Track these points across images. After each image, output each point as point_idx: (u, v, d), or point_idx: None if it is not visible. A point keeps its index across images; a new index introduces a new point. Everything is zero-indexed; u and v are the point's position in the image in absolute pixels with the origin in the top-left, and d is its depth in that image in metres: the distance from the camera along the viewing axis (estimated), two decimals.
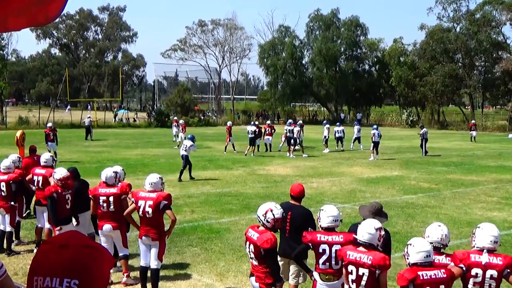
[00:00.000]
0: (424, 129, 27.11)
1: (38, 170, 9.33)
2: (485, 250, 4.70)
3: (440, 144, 33.19)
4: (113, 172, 7.85)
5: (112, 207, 7.56)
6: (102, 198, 7.62)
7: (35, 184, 9.25)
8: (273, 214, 5.42)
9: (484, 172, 19.78)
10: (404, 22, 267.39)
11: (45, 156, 9.59)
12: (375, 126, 25.67)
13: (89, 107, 69.84)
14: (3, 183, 9.03)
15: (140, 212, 7.07)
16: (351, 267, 4.78)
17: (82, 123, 35.47)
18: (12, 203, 9.05)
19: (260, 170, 19.86)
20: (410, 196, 14.77)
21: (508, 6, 51.79)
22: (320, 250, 5.43)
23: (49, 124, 23.22)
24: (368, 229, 4.82)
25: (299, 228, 6.23)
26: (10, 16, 1.78)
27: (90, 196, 7.86)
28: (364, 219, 5.84)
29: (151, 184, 7.13)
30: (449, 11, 56.09)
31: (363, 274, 4.70)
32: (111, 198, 7.58)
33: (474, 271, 4.63)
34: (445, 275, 4.56)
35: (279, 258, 6.53)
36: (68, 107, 66.22)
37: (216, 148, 27.99)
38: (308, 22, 64.17)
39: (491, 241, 4.75)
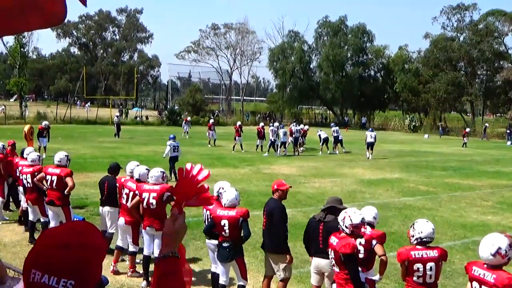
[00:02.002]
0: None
1: (51, 169, 8.75)
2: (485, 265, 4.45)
3: (441, 149, 33.78)
4: (146, 169, 8.00)
5: (130, 202, 7.73)
6: (125, 191, 7.89)
7: (48, 184, 8.71)
8: (351, 220, 5.29)
9: (481, 177, 19.91)
10: (409, 30, 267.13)
11: (59, 156, 8.92)
12: (370, 129, 28.09)
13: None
14: (28, 175, 9.14)
15: (144, 204, 7.34)
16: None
17: (113, 120, 36.01)
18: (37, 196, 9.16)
19: (265, 169, 20.32)
20: (408, 198, 14.97)
21: (511, 17, 53.03)
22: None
23: (44, 123, 23.71)
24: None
25: (272, 221, 6.60)
26: (27, 14, 1.72)
27: (118, 184, 8.19)
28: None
29: (153, 177, 7.49)
30: (453, 21, 57.95)
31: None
32: (131, 194, 7.74)
33: (474, 284, 4.50)
34: (436, 254, 5.03)
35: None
36: (88, 104, 68.73)
37: (224, 147, 28.39)
38: (316, 28, 65.56)
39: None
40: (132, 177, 8.17)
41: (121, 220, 7.87)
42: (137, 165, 8.34)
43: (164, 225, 1.90)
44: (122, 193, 8.00)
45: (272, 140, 25.82)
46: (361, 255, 5.64)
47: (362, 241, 5.63)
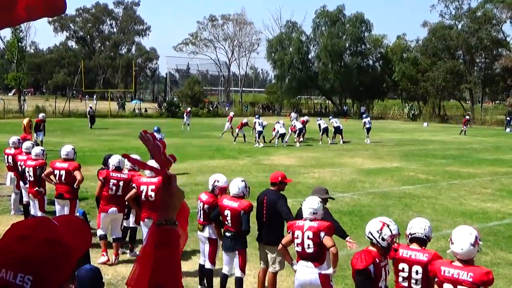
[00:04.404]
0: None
1: (59, 164, 8.80)
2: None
3: (440, 137, 33.89)
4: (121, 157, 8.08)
5: (120, 191, 7.99)
6: (112, 182, 8.03)
7: (57, 178, 8.76)
8: (391, 230, 4.58)
9: (481, 165, 19.97)
10: (407, 19, 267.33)
11: (66, 149, 8.96)
12: (365, 115, 30.26)
13: (94, 97, 72.09)
14: (31, 169, 9.21)
15: (143, 196, 7.45)
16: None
17: (88, 112, 37.07)
18: (38, 189, 9.24)
19: (265, 160, 20.35)
20: (407, 187, 15.00)
21: (509, 4, 52.79)
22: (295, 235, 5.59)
23: (41, 115, 24.11)
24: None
25: (274, 212, 6.52)
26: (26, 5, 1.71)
27: (101, 178, 8.16)
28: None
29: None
30: (451, 9, 57.54)
31: None
32: (121, 183, 8.00)
33: (445, 286, 4.27)
34: (426, 259, 4.53)
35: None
36: (95, 97, 69.02)
37: (224, 138, 28.52)
38: (314, 18, 65.30)
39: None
40: (129, 170, 8.39)
41: (113, 210, 8.01)
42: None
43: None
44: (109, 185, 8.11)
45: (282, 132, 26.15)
46: (310, 250, 5.44)
47: (310, 234, 5.40)
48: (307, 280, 5.56)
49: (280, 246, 5.93)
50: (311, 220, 5.53)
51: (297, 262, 5.70)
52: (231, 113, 32.81)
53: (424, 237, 4.77)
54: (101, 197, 8.15)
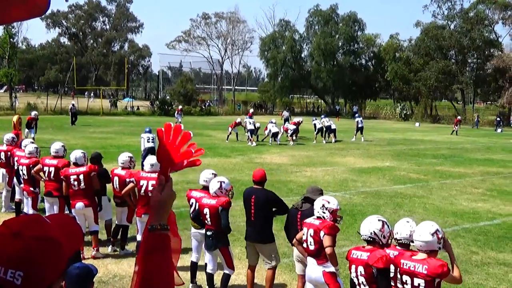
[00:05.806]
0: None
1: (48, 161, 8.67)
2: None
3: (432, 137, 34.11)
4: (82, 152, 8.36)
5: (82, 185, 7.96)
6: (72, 177, 8.00)
7: (46, 175, 8.66)
8: (389, 227, 4.71)
9: (472, 165, 20.09)
10: (400, 18, 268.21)
11: (55, 146, 8.81)
12: (357, 115, 30.87)
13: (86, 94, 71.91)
14: (24, 167, 9.16)
15: (142, 191, 7.49)
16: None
17: (69, 109, 36.83)
18: (32, 188, 9.26)
19: (257, 158, 20.39)
20: (399, 186, 15.02)
21: (501, 5, 53.27)
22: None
23: (33, 113, 24.02)
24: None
25: (263, 210, 6.58)
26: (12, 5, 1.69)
27: (61, 176, 8.16)
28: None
29: (152, 165, 7.59)
30: (444, 9, 58.02)
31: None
32: (81, 177, 7.97)
33: (404, 277, 4.38)
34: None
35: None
36: (92, 94, 68.76)
37: (216, 137, 28.50)
38: (308, 17, 65.66)
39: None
40: (123, 167, 8.45)
41: (80, 205, 7.99)
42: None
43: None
44: (70, 181, 8.10)
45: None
46: (311, 247, 5.52)
47: (312, 232, 5.47)
48: (313, 277, 5.64)
49: (294, 240, 6.02)
50: (317, 218, 5.59)
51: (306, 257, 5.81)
52: (251, 110, 32.84)
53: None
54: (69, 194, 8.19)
